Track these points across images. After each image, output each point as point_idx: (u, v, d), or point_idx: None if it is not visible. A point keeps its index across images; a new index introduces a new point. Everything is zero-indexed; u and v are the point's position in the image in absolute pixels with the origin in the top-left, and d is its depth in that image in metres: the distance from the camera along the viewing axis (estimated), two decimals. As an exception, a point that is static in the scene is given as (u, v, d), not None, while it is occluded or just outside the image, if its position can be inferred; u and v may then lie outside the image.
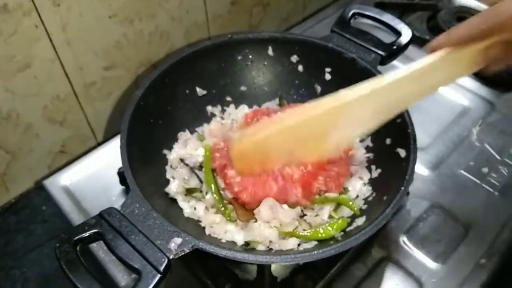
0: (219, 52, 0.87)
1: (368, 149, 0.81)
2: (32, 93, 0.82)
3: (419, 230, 0.80)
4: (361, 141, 0.83)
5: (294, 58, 0.88)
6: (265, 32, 0.89)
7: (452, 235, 0.80)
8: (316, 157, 0.64)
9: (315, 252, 0.58)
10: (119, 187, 0.84)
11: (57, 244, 0.57)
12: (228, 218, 0.73)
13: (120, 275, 0.74)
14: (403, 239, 0.79)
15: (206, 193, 0.76)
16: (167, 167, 0.80)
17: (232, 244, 0.69)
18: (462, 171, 0.89)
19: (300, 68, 0.89)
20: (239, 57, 0.89)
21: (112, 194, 0.85)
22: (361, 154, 0.81)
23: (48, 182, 0.87)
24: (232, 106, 0.91)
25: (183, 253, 0.58)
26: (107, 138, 0.98)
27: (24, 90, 0.80)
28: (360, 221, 0.68)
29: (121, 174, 0.80)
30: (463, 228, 0.81)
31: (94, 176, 0.89)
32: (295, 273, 0.73)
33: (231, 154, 0.64)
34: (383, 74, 0.58)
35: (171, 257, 0.56)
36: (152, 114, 0.79)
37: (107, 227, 0.59)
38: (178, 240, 0.58)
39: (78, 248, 0.57)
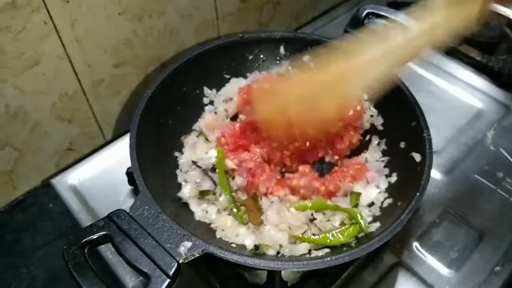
0: (230, 51, 0.85)
1: (382, 153, 0.80)
2: (40, 90, 0.81)
3: (432, 236, 0.79)
4: (378, 144, 0.81)
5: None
6: (277, 31, 0.88)
7: (466, 241, 0.78)
8: (334, 107, 0.70)
9: (328, 258, 0.57)
10: (127, 187, 0.83)
11: (65, 246, 0.56)
12: (240, 220, 0.72)
13: (128, 277, 0.73)
14: (416, 245, 0.78)
15: (220, 195, 0.75)
16: (178, 172, 0.78)
17: (242, 248, 0.67)
18: (477, 176, 0.87)
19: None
20: (251, 57, 0.88)
21: (120, 194, 0.84)
22: (377, 157, 0.79)
23: (55, 181, 0.87)
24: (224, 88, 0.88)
25: (193, 258, 0.57)
26: (115, 136, 0.97)
27: (33, 87, 0.79)
28: (373, 227, 0.67)
29: (129, 174, 0.78)
30: (477, 234, 0.79)
31: (102, 175, 0.88)
32: (305, 278, 0.71)
33: (252, 97, 0.72)
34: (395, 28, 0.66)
35: (180, 261, 0.55)
36: (161, 114, 0.78)
37: (115, 229, 0.58)
38: (188, 244, 0.57)
39: (86, 251, 0.56)
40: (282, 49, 0.87)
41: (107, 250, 0.75)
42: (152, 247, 0.56)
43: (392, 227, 0.60)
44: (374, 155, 0.79)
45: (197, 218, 0.72)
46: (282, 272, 0.69)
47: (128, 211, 0.60)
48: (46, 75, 0.80)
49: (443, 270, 0.75)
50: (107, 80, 0.90)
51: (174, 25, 0.94)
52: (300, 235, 0.68)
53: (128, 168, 0.77)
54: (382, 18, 0.87)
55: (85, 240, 0.57)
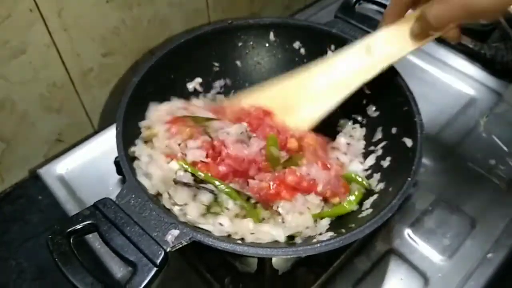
0: (219, 38, 0.84)
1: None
2: (27, 80, 0.79)
3: (424, 223, 0.79)
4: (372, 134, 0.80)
5: (297, 45, 0.86)
6: (266, 18, 0.86)
7: (458, 228, 0.78)
8: (294, 123, 0.75)
9: (318, 245, 0.56)
10: (116, 177, 0.82)
11: (50, 236, 0.55)
12: (258, 220, 0.66)
13: (117, 267, 0.73)
14: (408, 232, 0.77)
15: (227, 202, 0.66)
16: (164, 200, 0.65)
17: (275, 243, 0.63)
18: (469, 163, 0.87)
19: (303, 54, 0.86)
20: (240, 44, 0.86)
21: (108, 184, 0.83)
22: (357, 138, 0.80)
23: (43, 171, 0.85)
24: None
25: (180, 246, 0.55)
26: (104, 126, 0.96)
27: (19, 77, 0.78)
28: (365, 212, 0.66)
29: (117, 163, 0.77)
30: (469, 222, 0.79)
31: (91, 165, 0.87)
32: (297, 266, 0.71)
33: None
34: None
35: (168, 249, 0.54)
36: (149, 102, 0.76)
37: (101, 218, 0.57)
38: (176, 232, 0.56)
39: (71, 240, 0.55)
40: (272, 36, 0.86)
41: (95, 241, 0.74)
42: (139, 235, 0.55)
43: (383, 213, 0.59)
44: (356, 142, 0.80)
45: (216, 234, 0.62)
46: (273, 260, 0.68)
47: (114, 199, 0.59)
48: (33, 64, 0.78)
49: (436, 257, 0.75)
50: (95, 69, 0.88)
51: (163, 14, 0.92)
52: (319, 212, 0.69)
53: (116, 157, 0.76)
54: (373, 3, 0.86)
55: (70, 229, 0.56)
